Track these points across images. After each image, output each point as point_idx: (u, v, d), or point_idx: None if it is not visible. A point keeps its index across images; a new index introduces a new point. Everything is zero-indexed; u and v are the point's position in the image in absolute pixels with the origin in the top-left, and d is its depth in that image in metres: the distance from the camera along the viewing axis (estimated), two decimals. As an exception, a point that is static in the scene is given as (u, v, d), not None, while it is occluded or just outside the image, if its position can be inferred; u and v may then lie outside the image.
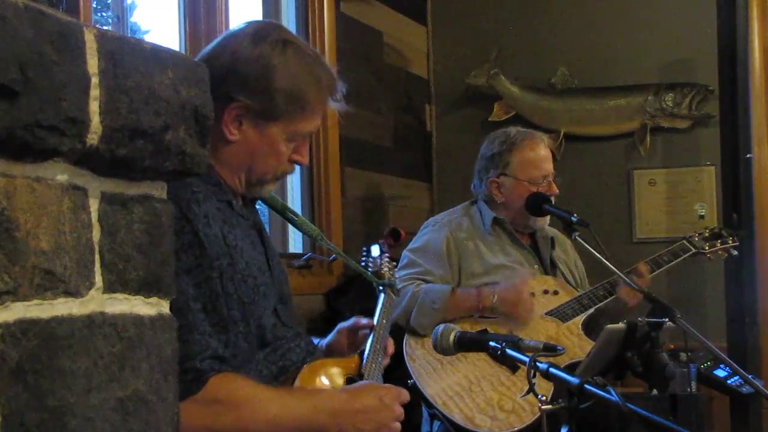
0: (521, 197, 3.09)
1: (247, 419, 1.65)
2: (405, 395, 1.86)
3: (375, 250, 2.42)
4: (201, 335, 1.63)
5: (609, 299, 3.04)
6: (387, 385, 1.88)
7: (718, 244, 3.24)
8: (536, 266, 3.16)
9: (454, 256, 3.08)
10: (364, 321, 2.12)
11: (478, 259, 3.08)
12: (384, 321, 2.09)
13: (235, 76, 1.75)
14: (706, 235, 3.25)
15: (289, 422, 1.69)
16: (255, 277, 1.80)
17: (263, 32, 1.82)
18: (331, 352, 2.09)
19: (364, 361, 1.97)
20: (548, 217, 3.14)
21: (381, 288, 2.26)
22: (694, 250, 3.19)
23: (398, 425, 1.84)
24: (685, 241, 3.22)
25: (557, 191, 3.12)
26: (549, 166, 3.14)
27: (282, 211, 2.07)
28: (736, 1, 3.69)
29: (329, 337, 2.13)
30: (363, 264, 2.37)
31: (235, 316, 1.73)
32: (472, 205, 3.25)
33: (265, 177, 1.86)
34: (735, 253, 3.30)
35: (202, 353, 1.61)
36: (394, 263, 2.42)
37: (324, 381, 1.86)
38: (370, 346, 2.01)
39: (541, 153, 3.13)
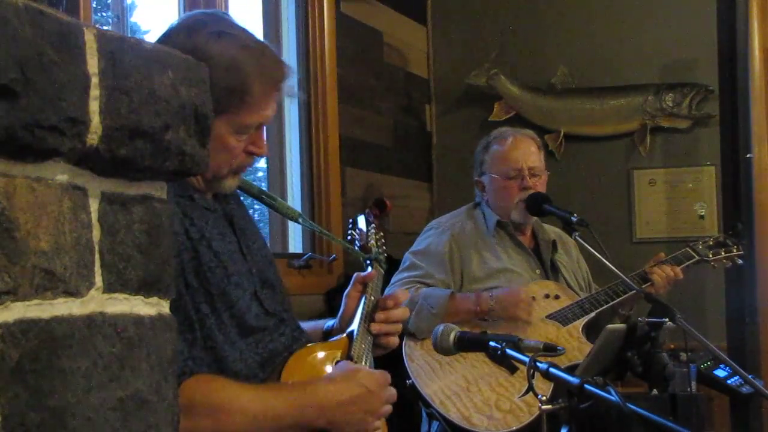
0: (495, 192, 3.14)
1: (226, 422, 1.62)
2: (388, 376, 1.83)
3: (361, 221, 2.37)
4: None
5: (612, 303, 3.03)
6: (371, 370, 1.87)
7: (723, 253, 3.22)
8: (537, 270, 3.15)
9: (456, 259, 3.07)
10: (363, 274, 2.09)
11: (480, 263, 3.08)
12: (372, 298, 2.06)
13: None
14: (711, 243, 3.23)
15: (273, 420, 1.66)
16: (225, 267, 1.76)
17: (199, 24, 1.77)
18: (345, 320, 2.06)
19: (353, 341, 1.95)
20: (523, 211, 3.13)
21: (368, 262, 2.23)
22: (697, 258, 3.18)
23: (388, 408, 1.82)
24: (688, 249, 3.20)
25: (531, 185, 3.10)
26: (523, 160, 3.12)
27: (258, 196, 2.03)
28: (736, 1, 3.69)
29: (341, 308, 2.09)
30: (349, 238, 2.34)
31: (203, 309, 1.70)
32: (475, 208, 3.26)
33: (220, 172, 1.80)
34: (740, 262, 3.27)
35: None
36: (382, 233, 2.37)
37: (313, 367, 1.84)
38: (359, 325, 1.98)
39: (513, 147, 3.14)
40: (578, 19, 4.35)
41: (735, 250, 3.23)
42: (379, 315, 2.04)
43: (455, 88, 4.42)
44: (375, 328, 2.02)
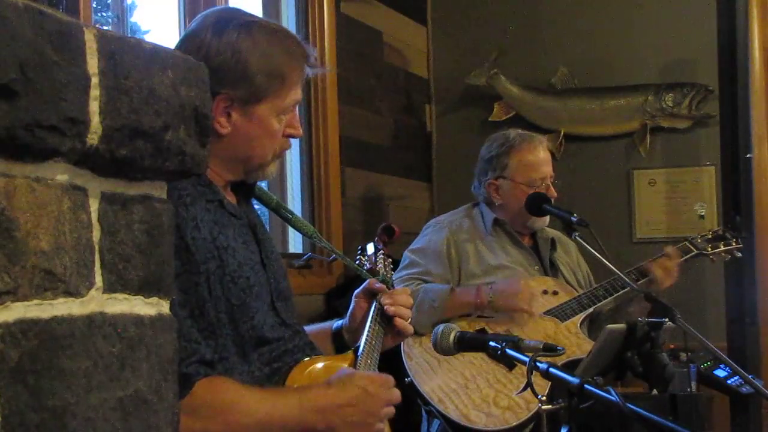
0: (518, 200, 3.11)
1: (235, 422, 1.64)
2: (390, 379, 1.84)
3: (370, 248, 2.42)
4: (188, 342, 1.62)
5: (610, 298, 3.03)
6: (369, 372, 1.87)
7: (721, 246, 3.21)
8: (536, 267, 3.16)
9: (454, 256, 3.08)
10: (378, 284, 2.11)
11: (477, 259, 3.08)
12: (378, 318, 2.07)
13: (210, 72, 1.75)
14: (709, 236, 3.23)
15: (278, 423, 1.68)
16: (248, 278, 1.79)
17: (223, 21, 1.82)
18: (355, 319, 2.08)
19: (359, 357, 1.96)
20: (547, 218, 3.15)
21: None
22: (696, 251, 3.18)
23: (390, 409, 1.82)
24: (687, 242, 3.20)
25: (555, 194, 3.12)
26: (547, 169, 3.14)
27: (276, 209, 2.07)
28: (736, 1, 3.69)
29: (350, 308, 2.11)
30: (357, 262, 2.37)
31: (222, 319, 1.72)
32: (474, 207, 3.26)
33: (266, 159, 1.87)
34: (739, 255, 3.27)
35: (189, 359, 1.61)
36: (390, 259, 2.41)
37: (315, 378, 1.84)
38: (365, 343, 1.99)
39: (539, 155, 3.14)
40: (578, 19, 4.35)
41: (734, 243, 3.22)
42: (385, 299, 2.06)
43: (455, 88, 4.42)
44: (390, 310, 2.04)
